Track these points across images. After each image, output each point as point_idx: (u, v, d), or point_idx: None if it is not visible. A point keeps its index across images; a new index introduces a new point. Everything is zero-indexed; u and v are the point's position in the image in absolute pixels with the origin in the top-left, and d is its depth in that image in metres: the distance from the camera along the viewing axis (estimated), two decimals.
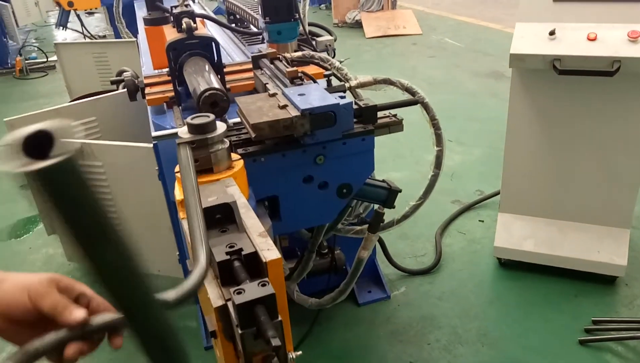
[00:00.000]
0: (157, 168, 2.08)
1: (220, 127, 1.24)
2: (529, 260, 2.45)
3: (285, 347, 0.88)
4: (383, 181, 1.62)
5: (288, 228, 1.53)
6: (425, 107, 1.60)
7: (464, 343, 2.14)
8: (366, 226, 1.77)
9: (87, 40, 6.01)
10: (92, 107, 2.66)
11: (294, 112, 1.34)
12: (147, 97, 1.93)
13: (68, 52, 3.87)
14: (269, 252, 0.96)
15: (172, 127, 1.81)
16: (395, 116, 1.56)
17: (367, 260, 2.45)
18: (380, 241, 2.49)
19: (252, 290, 0.86)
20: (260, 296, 0.85)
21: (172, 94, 1.92)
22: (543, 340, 2.12)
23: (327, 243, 2.13)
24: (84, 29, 6.07)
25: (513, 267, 2.52)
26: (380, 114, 1.51)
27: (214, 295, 0.93)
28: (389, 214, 1.76)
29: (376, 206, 1.67)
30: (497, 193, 2.82)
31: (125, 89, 2.05)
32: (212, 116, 1.23)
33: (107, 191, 2.20)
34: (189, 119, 1.22)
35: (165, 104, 1.99)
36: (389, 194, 1.59)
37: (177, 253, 2.20)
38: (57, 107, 2.64)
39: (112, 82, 2.16)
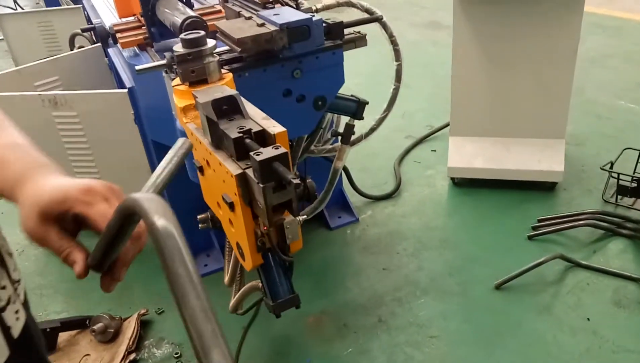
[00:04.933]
0: (132, 112, 2.18)
1: (210, 42, 1.38)
2: (479, 176, 2.72)
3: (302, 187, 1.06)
4: (352, 95, 1.80)
5: None
6: (384, 25, 1.78)
7: (428, 249, 2.39)
8: (337, 145, 1.96)
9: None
10: (54, 67, 2.68)
11: (272, 28, 1.49)
12: (120, 41, 2.02)
13: (11, 23, 3.79)
14: (275, 128, 1.12)
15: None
16: (359, 32, 1.74)
17: (335, 190, 2.67)
18: (347, 173, 2.70)
19: (268, 152, 1.02)
20: (277, 154, 1.02)
21: (144, 37, 2.01)
22: (496, 240, 2.40)
23: (299, 171, 2.31)
24: (16, 4, 5.86)
25: (465, 185, 2.79)
26: (345, 31, 1.68)
27: (232, 167, 1.09)
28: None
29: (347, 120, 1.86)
30: (446, 125, 3.08)
31: (90, 45, 2.11)
32: (202, 32, 1.37)
33: (84, 139, 2.27)
34: (182, 36, 1.35)
35: (137, 47, 2.08)
36: (358, 106, 1.77)
37: None
38: (18, 68, 2.65)
39: (83, 30, 2.21)
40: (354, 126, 1.83)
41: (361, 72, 4.23)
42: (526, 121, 2.63)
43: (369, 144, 3.34)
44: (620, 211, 2.47)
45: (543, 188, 2.67)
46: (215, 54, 1.37)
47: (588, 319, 1.96)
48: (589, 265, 2.16)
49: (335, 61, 1.66)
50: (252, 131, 1.11)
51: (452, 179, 2.82)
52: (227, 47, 1.59)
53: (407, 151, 3.18)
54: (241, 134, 1.10)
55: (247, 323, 2.04)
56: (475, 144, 2.74)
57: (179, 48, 1.34)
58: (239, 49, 1.48)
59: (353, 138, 1.91)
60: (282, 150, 1.02)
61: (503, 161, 2.67)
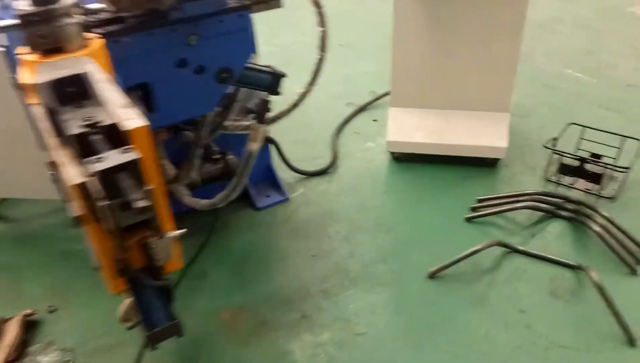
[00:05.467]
0: (11, 75, 1.84)
1: None
2: (420, 150, 2.54)
3: (155, 212, 0.81)
4: (267, 66, 1.54)
5: (165, 119, 1.43)
6: None
7: (363, 231, 2.21)
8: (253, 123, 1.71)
9: None
10: None
11: None
12: None
13: None
14: (132, 121, 0.87)
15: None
16: None
17: (263, 166, 2.43)
18: (277, 147, 2.46)
19: (114, 157, 0.78)
20: (124, 162, 0.77)
21: None
22: (433, 221, 2.24)
23: (219, 147, 2.06)
24: None
25: (405, 160, 2.60)
26: None
27: (74, 172, 0.84)
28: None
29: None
30: (388, 93, 2.86)
31: None
32: None
33: None
34: None
35: None
36: (273, 79, 1.52)
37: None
38: None
39: None
40: (269, 101, 1.58)
41: (306, 32, 3.95)
42: (470, 93, 2.44)
43: (305, 113, 3.09)
44: (561, 190, 2.35)
45: (486, 164, 2.51)
46: (75, 15, 1.08)
47: (523, 311, 1.83)
48: (527, 251, 2.04)
49: (241, 26, 1.39)
50: (101, 124, 0.85)
51: (392, 153, 2.63)
52: (102, 5, 1.29)
53: (347, 121, 2.96)
54: (86, 129, 0.84)
55: None
56: (416, 116, 2.54)
57: (24, 5, 1.05)
58: (115, 8, 1.19)
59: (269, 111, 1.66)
60: (132, 155, 0.78)
61: (445, 136, 2.49)
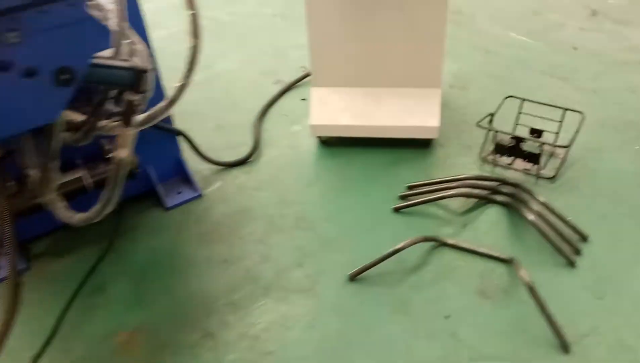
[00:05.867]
0: None
1: None
2: (347, 134, 2.32)
3: None
4: (124, 62, 1.28)
5: None
6: None
7: (280, 231, 2.00)
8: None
9: None
10: None
11: None
12: None
13: None
14: None
15: None
16: None
17: (171, 160, 2.19)
18: (186, 138, 2.21)
19: None
20: None
21: None
22: (359, 215, 2.04)
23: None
24: None
25: (334, 144, 2.39)
26: None
27: None
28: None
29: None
30: None
31: None
32: None
33: None
34: None
35: None
36: (132, 76, 1.26)
37: None
38: None
39: None
40: (134, 101, 1.32)
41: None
42: (397, 68, 2.21)
43: (230, 93, 2.85)
44: (499, 171, 2.17)
45: (419, 144, 2.31)
46: None
47: (448, 317, 1.67)
48: (456, 244, 1.86)
49: (76, 16, 1.13)
50: None
51: (320, 137, 2.40)
52: None
53: (273, 102, 2.71)
54: None
55: (35, 353, 1.62)
56: (341, 96, 2.30)
57: None
58: None
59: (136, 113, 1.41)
60: None
61: (372, 117, 2.27)
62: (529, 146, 2.10)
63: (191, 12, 1.31)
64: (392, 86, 2.26)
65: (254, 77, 2.93)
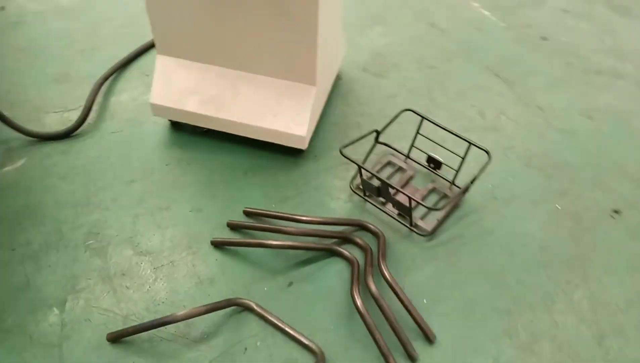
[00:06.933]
0: None
1: None
2: (193, 122, 1.80)
3: None
4: None
5: None
6: None
7: (63, 247, 1.55)
8: None
9: None
10: None
11: None
12: None
13: None
14: None
15: None
16: None
17: None
18: None
19: None
20: None
21: None
22: (173, 241, 1.59)
23: None
24: None
25: (187, 130, 1.88)
26: None
27: None
28: None
29: None
30: None
31: None
32: None
33: None
34: None
35: None
36: None
37: None
38: None
39: None
40: None
41: None
42: (262, 48, 1.64)
43: (93, 29, 2.27)
44: (369, 207, 1.68)
45: (288, 150, 1.81)
46: None
47: None
48: (264, 315, 1.42)
49: None
50: None
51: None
52: None
53: (137, 54, 2.16)
54: None
55: None
56: (191, 72, 1.76)
57: None
58: None
59: None
60: None
61: (226, 109, 1.74)
62: (398, 194, 1.59)
63: None
64: (256, 72, 1.71)
65: (135, 13, 2.35)
